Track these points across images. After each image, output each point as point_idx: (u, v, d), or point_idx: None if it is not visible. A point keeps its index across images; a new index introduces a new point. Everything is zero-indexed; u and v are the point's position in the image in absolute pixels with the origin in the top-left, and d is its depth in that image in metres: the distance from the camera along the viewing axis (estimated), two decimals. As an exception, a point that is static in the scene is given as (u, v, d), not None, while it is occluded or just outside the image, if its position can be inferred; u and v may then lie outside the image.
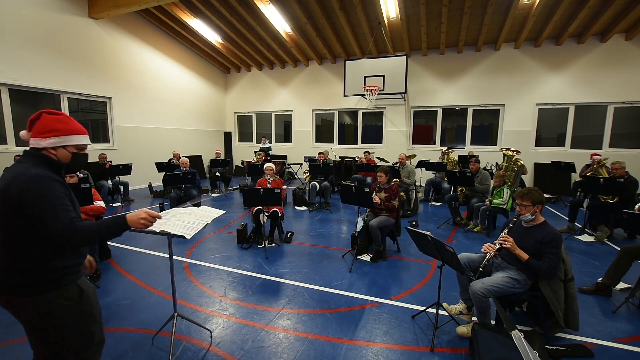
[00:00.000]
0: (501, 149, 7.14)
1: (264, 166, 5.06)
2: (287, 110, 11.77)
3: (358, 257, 4.03)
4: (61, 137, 1.39)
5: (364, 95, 9.10)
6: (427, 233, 2.37)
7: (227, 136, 12.80)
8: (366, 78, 8.94)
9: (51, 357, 1.39)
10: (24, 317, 1.35)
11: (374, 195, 4.04)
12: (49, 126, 1.36)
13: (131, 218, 1.40)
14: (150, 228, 2.03)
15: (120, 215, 1.40)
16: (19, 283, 1.29)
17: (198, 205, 1.91)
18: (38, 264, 1.30)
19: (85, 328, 1.43)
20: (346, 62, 9.26)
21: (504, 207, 4.86)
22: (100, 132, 8.40)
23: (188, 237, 1.98)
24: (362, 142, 10.92)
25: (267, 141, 10.99)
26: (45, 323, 1.34)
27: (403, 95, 9.32)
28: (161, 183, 7.96)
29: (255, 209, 4.45)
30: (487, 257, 2.44)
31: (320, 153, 7.67)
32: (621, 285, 3.25)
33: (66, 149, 1.41)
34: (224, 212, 2.59)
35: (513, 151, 6.65)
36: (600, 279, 3.21)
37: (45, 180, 1.27)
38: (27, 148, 1.40)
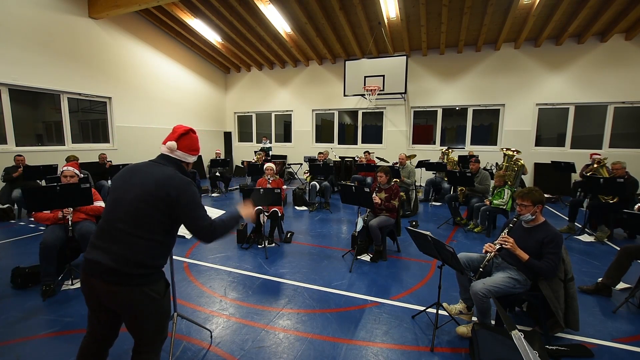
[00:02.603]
0: (502, 148, 7.14)
1: (264, 166, 5.06)
2: (287, 110, 11.77)
3: (358, 257, 4.03)
4: (197, 155, 1.73)
5: (364, 95, 9.10)
6: (427, 233, 2.37)
7: (227, 136, 12.80)
8: (366, 78, 8.94)
9: (140, 343, 1.56)
10: (114, 304, 1.45)
11: (374, 195, 4.04)
12: (195, 145, 1.68)
13: (243, 211, 1.80)
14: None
15: (234, 210, 1.77)
16: (130, 274, 1.41)
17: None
18: (154, 258, 1.48)
19: (161, 320, 1.57)
20: (346, 62, 9.26)
21: (504, 207, 4.86)
22: (100, 132, 8.40)
23: (188, 237, 1.98)
24: (362, 142, 10.92)
25: (268, 141, 11.00)
26: (134, 311, 1.46)
27: (403, 95, 9.33)
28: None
29: (255, 209, 4.45)
30: (487, 257, 2.44)
31: (320, 153, 7.68)
32: (621, 285, 3.25)
33: (190, 165, 1.73)
34: (224, 212, 2.59)
35: (513, 151, 6.66)
36: (600, 279, 3.21)
37: (194, 187, 1.56)
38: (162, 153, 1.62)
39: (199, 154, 2.10)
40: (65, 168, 3.33)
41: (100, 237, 1.46)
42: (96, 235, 1.48)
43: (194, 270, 3.69)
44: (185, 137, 1.63)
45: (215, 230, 1.57)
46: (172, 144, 1.59)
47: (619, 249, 4.37)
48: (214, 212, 2.36)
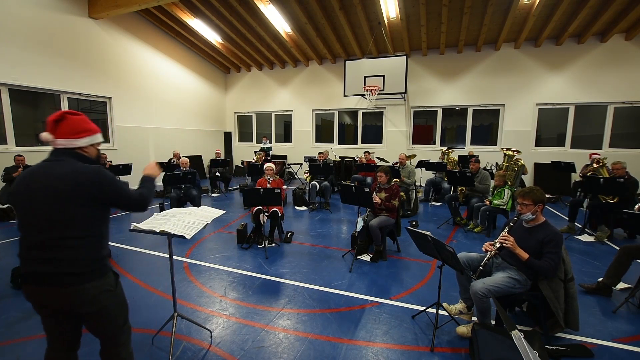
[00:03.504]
0: (502, 148, 7.14)
1: (264, 166, 5.05)
2: (287, 110, 11.77)
3: (358, 257, 4.03)
4: (92, 136, 1.55)
5: (364, 95, 9.10)
6: (427, 233, 2.37)
7: (227, 136, 12.80)
8: (366, 78, 8.94)
9: (107, 342, 1.57)
10: (70, 307, 1.43)
11: (374, 195, 4.03)
12: (80, 126, 1.50)
13: (149, 171, 1.81)
14: (150, 228, 2.06)
15: (144, 175, 1.77)
16: (73, 273, 1.38)
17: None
18: (92, 253, 1.44)
19: (120, 311, 1.58)
20: (346, 62, 9.26)
21: (504, 207, 4.86)
22: (100, 132, 8.39)
23: (188, 237, 1.98)
24: (362, 142, 10.92)
25: (268, 141, 10.99)
26: (91, 309, 1.45)
27: (403, 95, 9.32)
28: (161, 183, 7.96)
29: (255, 209, 4.45)
30: (487, 255, 2.44)
31: (320, 153, 7.68)
32: (621, 285, 3.25)
33: (94, 147, 1.58)
34: (224, 212, 2.59)
35: (514, 151, 6.65)
36: (600, 279, 3.21)
37: (105, 170, 1.49)
38: (51, 148, 1.48)
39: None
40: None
41: (26, 249, 1.40)
42: (22, 248, 1.42)
43: (194, 270, 3.69)
44: (61, 123, 1.45)
45: (145, 198, 1.61)
46: (46, 135, 1.43)
47: (619, 249, 4.38)
48: (213, 212, 2.37)
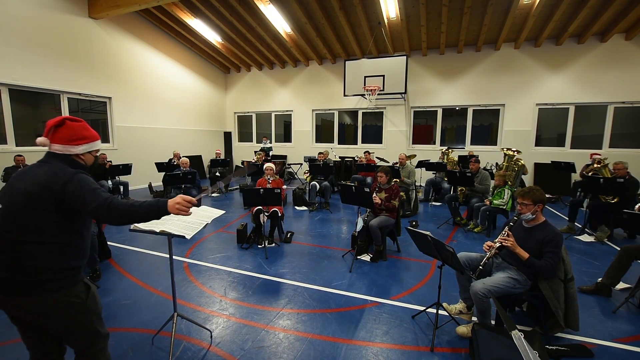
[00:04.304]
0: (502, 148, 7.13)
1: (264, 166, 5.05)
2: (287, 110, 11.77)
3: (358, 257, 4.03)
4: (89, 143, 1.52)
5: (364, 95, 9.10)
6: (427, 233, 2.37)
7: (227, 136, 12.80)
8: (366, 78, 8.94)
9: (82, 352, 1.51)
10: (30, 317, 1.38)
11: (374, 195, 4.03)
12: (78, 134, 1.48)
13: (170, 203, 1.46)
14: (150, 228, 2.06)
15: (161, 199, 1.47)
16: (31, 282, 1.32)
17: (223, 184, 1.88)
18: (56, 262, 1.36)
19: (91, 324, 1.49)
20: (346, 62, 9.27)
21: (504, 207, 4.86)
22: (100, 132, 8.34)
23: (188, 237, 1.98)
24: (362, 142, 10.92)
25: (268, 141, 10.99)
26: (54, 321, 1.39)
27: (403, 95, 9.32)
28: (161, 183, 7.96)
29: (255, 209, 4.45)
30: (487, 255, 2.44)
31: (320, 153, 7.68)
32: (621, 285, 3.25)
33: (91, 154, 1.56)
34: (224, 212, 2.59)
35: (514, 151, 6.65)
36: (600, 279, 3.21)
37: (82, 174, 1.42)
38: (48, 150, 1.47)
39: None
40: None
41: None
42: None
43: (193, 270, 3.69)
44: (60, 128, 1.44)
45: (111, 209, 1.35)
46: (43, 139, 1.43)
47: (619, 249, 4.37)
48: (214, 213, 2.37)
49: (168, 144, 9.75)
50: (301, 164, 10.65)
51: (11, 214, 1.34)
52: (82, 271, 1.51)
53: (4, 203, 1.37)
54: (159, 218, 1.48)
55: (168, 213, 1.46)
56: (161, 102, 9.72)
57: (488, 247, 2.47)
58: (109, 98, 8.21)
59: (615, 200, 4.71)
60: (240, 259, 4.05)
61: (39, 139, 1.43)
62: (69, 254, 1.41)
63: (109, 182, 7.01)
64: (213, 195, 8.21)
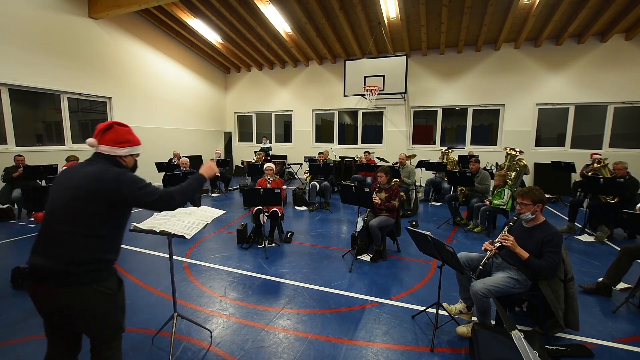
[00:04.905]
0: (504, 148, 7.12)
1: (264, 166, 5.05)
2: (287, 110, 11.77)
3: (358, 257, 4.03)
4: (132, 147, 1.67)
5: (364, 95, 9.10)
6: (427, 233, 2.37)
7: (227, 136, 12.80)
8: (366, 78, 8.94)
9: (100, 345, 1.54)
10: (63, 307, 1.42)
11: (374, 195, 4.04)
12: (123, 137, 1.62)
13: (203, 170, 1.84)
14: (150, 228, 2.06)
15: (195, 173, 1.79)
16: (73, 273, 1.39)
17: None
18: (97, 254, 1.46)
19: (117, 317, 1.57)
20: (346, 62, 9.26)
21: (504, 207, 4.86)
22: (100, 132, 8.39)
23: (188, 237, 1.98)
24: (362, 142, 10.92)
25: (268, 141, 10.99)
26: (86, 312, 1.45)
27: (403, 95, 9.32)
28: (161, 183, 7.95)
29: (255, 209, 4.45)
30: (487, 255, 2.44)
31: (320, 153, 7.67)
32: (621, 285, 3.25)
33: (132, 157, 1.70)
34: (224, 212, 2.59)
35: (516, 151, 6.64)
36: (600, 279, 3.21)
37: (130, 173, 1.57)
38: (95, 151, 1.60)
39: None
40: (65, 168, 3.33)
41: (38, 242, 1.44)
42: (35, 240, 1.45)
43: (193, 270, 3.69)
44: (108, 131, 1.59)
45: (173, 197, 1.58)
46: (92, 140, 1.58)
47: (619, 249, 4.37)
48: (213, 212, 2.37)
49: (168, 144, 9.74)
50: (301, 164, 10.65)
51: (61, 207, 1.44)
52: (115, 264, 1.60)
53: (54, 196, 1.48)
54: (202, 189, 1.73)
55: (206, 179, 1.83)
56: (161, 102, 9.72)
57: (488, 247, 2.47)
58: (109, 98, 8.21)
59: (615, 200, 4.71)
60: (240, 259, 4.05)
61: (89, 140, 1.58)
62: (108, 247, 1.51)
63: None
64: (213, 195, 8.21)
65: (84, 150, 7.59)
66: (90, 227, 1.44)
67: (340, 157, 9.56)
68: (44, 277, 1.38)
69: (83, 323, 1.48)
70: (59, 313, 1.44)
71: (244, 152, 12.41)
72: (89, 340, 1.55)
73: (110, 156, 1.58)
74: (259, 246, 4.43)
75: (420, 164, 7.69)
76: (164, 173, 7.66)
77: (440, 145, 9.65)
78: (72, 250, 1.40)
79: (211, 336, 2.46)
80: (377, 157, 8.84)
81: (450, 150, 7.94)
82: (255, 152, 9.31)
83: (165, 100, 9.88)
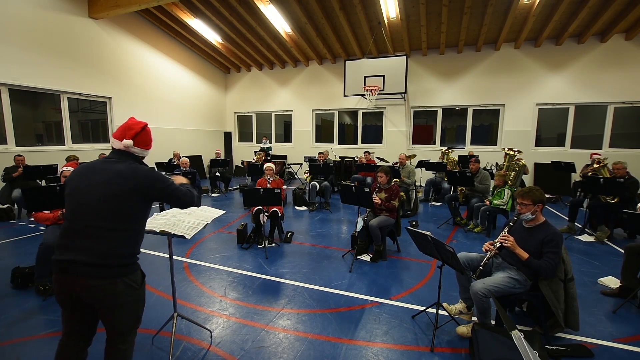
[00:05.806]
0: (503, 148, 7.13)
1: (264, 166, 5.05)
2: (287, 110, 11.77)
3: (358, 257, 4.03)
4: (150, 149, 1.77)
5: (364, 95, 9.10)
6: (427, 233, 2.37)
7: (227, 136, 12.80)
8: (366, 78, 8.94)
9: (118, 337, 1.59)
10: (92, 299, 1.47)
11: (374, 195, 4.04)
12: (149, 139, 1.73)
13: (180, 181, 1.90)
14: (150, 228, 2.06)
15: (195, 172, 1.88)
16: (107, 265, 1.45)
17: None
18: (127, 248, 1.53)
19: (138, 309, 1.63)
20: (346, 62, 9.27)
21: (504, 207, 4.86)
22: (100, 132, 8.41)
23: (188, 237, 1.98)
24: (362, 142, 10.92)
25: (268, 141, 10.99)
26: (112, 303, 1.49)
27: (403, 95, 9.32)
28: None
29: (255, 209, 4.45)
30: (487, 255, 2.44)
31: (320, 153, 7.67)
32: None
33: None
34: (224, 212, 2.59)
35: (515, 151, 6.64)
36: (617, 285, 3.19)
37: (157, 172, 1.66)
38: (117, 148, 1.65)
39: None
40: (65, 168, 3.34)
41: (69, 237, 1.46)
42: (64, 236, 1.48)
43: (194, 270, 3.69)
44: (141, 134, 1.66)
45: (194, 194, 1.77)
46: (129, 142, 1.61)
47: (619, 249, 4.38)
48: (213, 212, 2.37)
49: (168, 144, 9.74)
50: (301, 164, 10.65)
51: (94, 203, 1.47)
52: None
53: (82, 194, 1.50)
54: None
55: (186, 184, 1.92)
56: (161, 102, 9.73)
57: (488, 248, 2.47)
58: (109, 98, 8.21)
59: (615, 200, 4.71)
60: (240, 259, 4.05)
61: (126, 142, 1.61)
62: (136, 241, 1.59)
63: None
64: (213, 195, 8.21)
65: (84, 151, 7.59)
66: (127, 222, 1.51)
67: (340, 157, 9.55)
68: (81, 270, 1.42)
69: (109, 314, 1.52)
70: (84, 305, 1.50)
71: (244, 152, 12.42)
72: (106, 332, 1.58)
73: (137, 156, 1.66)
74: (259, 246, 4.43)
75: (420, 164, 7.69)
76: (163, 173, 7.66)
77: (440, 145, 9.65)
78: (110, 245, 1.46)
79: (211, 336, 2.46)
80: (377, 157, 8.84)
81: (450, 150, 7.94)
82: (255, 152, 9.31)
83: (165, 100, 9.89)
